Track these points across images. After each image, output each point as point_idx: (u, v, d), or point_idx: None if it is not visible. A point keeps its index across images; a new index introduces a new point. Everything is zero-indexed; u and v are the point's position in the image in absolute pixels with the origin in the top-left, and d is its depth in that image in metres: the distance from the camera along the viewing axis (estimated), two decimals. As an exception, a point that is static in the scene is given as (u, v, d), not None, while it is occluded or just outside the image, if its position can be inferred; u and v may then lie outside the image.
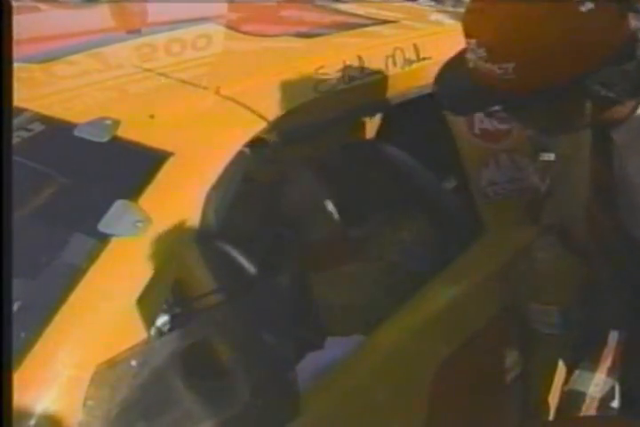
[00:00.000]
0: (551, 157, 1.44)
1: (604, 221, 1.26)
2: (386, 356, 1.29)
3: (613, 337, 1.54)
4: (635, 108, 1.12)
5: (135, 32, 1.61)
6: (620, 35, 1.02)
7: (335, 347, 1.31)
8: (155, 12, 1.78)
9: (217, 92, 1.24)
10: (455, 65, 1.15)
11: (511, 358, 1.49)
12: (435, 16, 2.01)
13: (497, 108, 1.12)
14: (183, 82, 1.34)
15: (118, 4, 1.83)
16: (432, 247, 1.55)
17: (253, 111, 1.20)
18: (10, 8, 0.77)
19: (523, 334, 1.47)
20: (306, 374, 1.22)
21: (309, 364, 1.26)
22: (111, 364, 0.98)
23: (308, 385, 1.19)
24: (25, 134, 1.22)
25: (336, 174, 1.63)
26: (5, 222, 0.78)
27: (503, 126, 1.54)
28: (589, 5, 0.99)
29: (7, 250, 0.79)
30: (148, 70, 1.41)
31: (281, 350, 1.16)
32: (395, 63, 1.40)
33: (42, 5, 1.81)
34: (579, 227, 1.31)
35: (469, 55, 1.08)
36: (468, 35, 1.07)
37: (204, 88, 1.26)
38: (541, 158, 1.48)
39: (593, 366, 1.66)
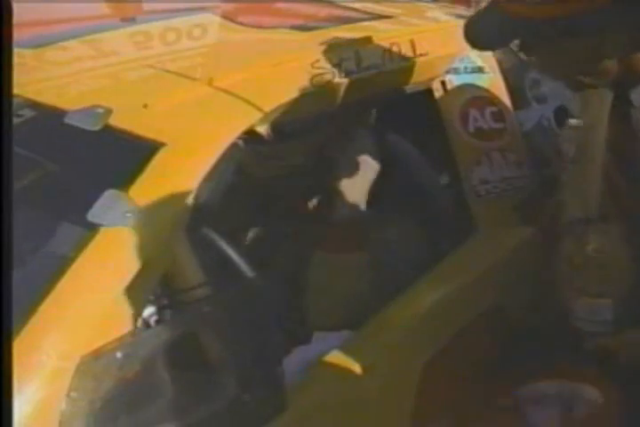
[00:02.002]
0: (580, 123, 1.35)
1: (625, 190, 1.22)
2: (373, 352, 1.29)
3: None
4: None
5: (130, 20, 1.60)
6: None
7: (322, 342, 1.31)
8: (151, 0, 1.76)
9: (210, 84, 1.23)
10: (487, 8, 1.14)
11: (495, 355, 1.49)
12: (431, 12, 2.01)
13: (528, 40, 1.09)
14: (176, 72, 1.34)
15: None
16: (421, 244, 1.54)
17: (248, 103, 1.19)
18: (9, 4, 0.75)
19: (509, 333, 1.47)
20: (292, 368, 1.21)
21: (296, 358, 1.26)
22: (96, 355, 0.97)
23: (294, 380, 1.18)
24: (15, 120, 1.20)
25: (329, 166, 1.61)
26: (5, 217, 0.77)
27: (497, 125, 1.54)
28: None
29: (7, 244, 0.78)
30: (142, 59, 1.40)
31: (268, 344, 1.16)
32: (391, 59, 1.39)
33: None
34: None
35: None
36: None
37: (195, 79, 1.25)
38: (569, 125, 1.41)
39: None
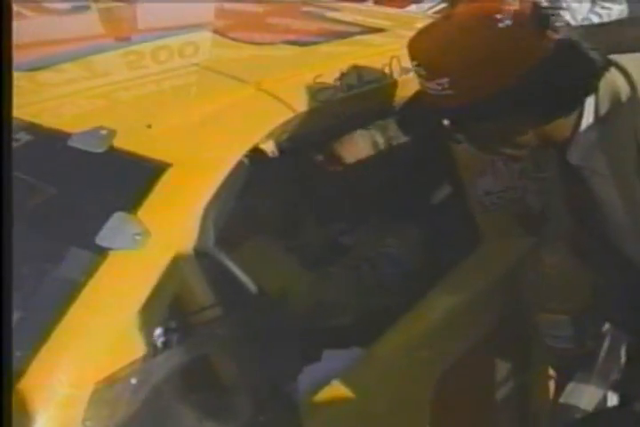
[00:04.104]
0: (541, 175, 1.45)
1: (587, 238, 1.30)
2: (385, 368, 1.27)
3: (605, 346, 1.54)
4: (576, 123, 1.17)
5: (125, 39, 1.58)
6: (540, 48, 1.09)
7: (333, 360, 1.29)
8: (146, 19, 1.75)
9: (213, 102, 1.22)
10: (410, 102, 1.26)
11: (508, 369, 1.48)
12: (421, 23, 2.00)
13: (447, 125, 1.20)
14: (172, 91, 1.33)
15: (108, 12, 1.80)
16: (421, 254, 1.53)
17: (253, 120, 1.19)
18: (10, 14, 0.74)
19: (521, 344, 1.46)
20: (303, 387, 1.19)
21: (307, 377, 1.24)
22: (110, 382, 0.95)
23: (305, 398, 1.17)
24: (13, 144, 1.18)
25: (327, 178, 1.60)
26: (6, 237, 0.75)
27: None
28: (507, 22, 1.09)
29: (7, 264, 0.77)
30: (136, 79, 1.39)
31: (281, 364, 1.14)
32: (391, 72, 1.39)
33: (29, 12, 1.77)
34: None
35: (417, 79, 1.16)
36: (411, 57, 1.16)
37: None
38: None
39: (587, 377, 1.65)
